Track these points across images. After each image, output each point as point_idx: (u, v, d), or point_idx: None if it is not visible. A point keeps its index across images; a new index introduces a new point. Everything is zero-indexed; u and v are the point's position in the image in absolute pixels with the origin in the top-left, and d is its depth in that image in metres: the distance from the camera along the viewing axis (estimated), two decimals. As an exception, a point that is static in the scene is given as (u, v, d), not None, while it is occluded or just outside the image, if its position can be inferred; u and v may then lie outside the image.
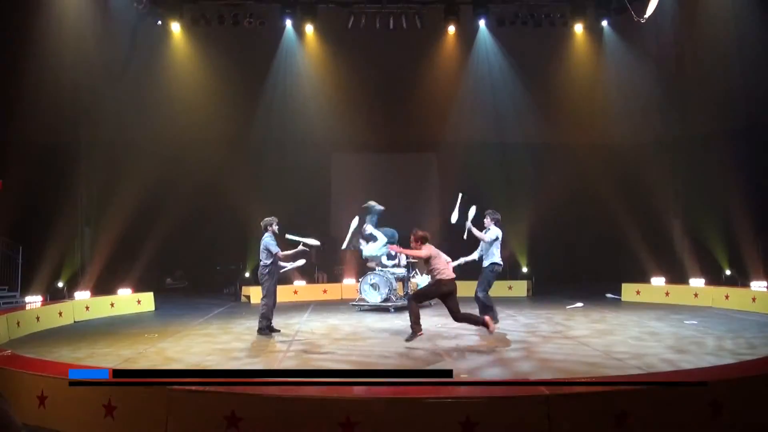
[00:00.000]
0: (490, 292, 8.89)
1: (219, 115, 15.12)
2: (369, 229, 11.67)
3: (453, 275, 7.68)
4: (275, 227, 8.76)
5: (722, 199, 13.32)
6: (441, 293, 7.62)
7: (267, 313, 8.67)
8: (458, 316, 7.68)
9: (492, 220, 9.04)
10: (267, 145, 16.12)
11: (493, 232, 8.92)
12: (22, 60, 12.21)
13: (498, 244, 8.89)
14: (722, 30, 13.31)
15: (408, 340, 7.57)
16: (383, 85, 15.77)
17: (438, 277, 7.55)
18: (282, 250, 8.62)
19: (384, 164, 16.89)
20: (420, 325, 7.60)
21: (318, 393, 4.30)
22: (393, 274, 11.93)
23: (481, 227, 9.06)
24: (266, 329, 8.65)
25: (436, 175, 17.27)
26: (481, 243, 8.96)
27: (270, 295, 8.64)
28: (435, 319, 9.99)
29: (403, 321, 9.98)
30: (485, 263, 8.91)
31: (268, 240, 8.62)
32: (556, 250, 15.91)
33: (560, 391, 4.18)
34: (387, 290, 11.55)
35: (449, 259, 7.97)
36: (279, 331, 8.78)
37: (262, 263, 8.69)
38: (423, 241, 7.75)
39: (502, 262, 8.99)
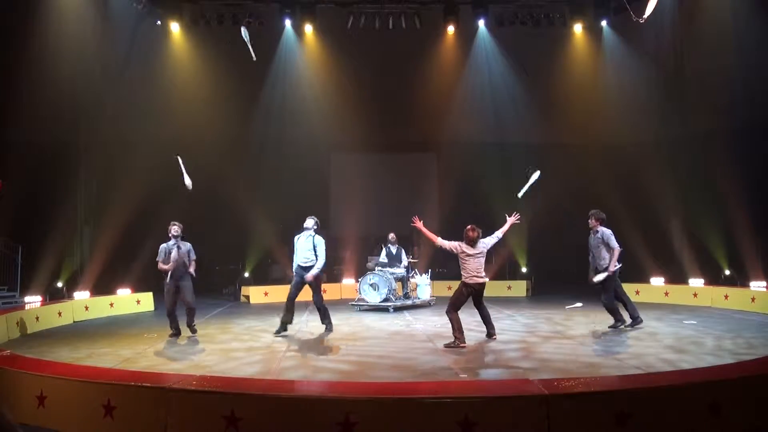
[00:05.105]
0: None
1: (218, 114, 15.11)
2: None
3: (480, 280, 7.54)
4: (174, 231, 8.80)
5: (722, 199, 13.29)
6: (468, 295, 7.58)
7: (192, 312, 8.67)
8: (481, 312, 7.84)
9: (598, 221, 8.47)
10: (266, 145, 16.10)
11: (606, 234, 8.35)
12: (22, 60, 12.19)
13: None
14: (722, 29, 13.31)
15: (448, 346, 7.43)
16: (383, 85, 15.76)
17: (464, 279, 7.56)
18: None
19: (384, 164, 16.89)
20: (462, 335, 7.45)
21: (317, 393, 4.26)
22: (392, 274, 11.93)
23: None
24: (192, 326, 8.70)
25: (435, 175, 17.27)
26: (594, 250, 8.49)
27: (170, 295, 8.47)
28: (435, 319, 10.01)
29: (402, 321, 10.01)
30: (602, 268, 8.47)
31: (164, 245, 8.71)
32: (555, 249, 15.90)
33: (559, 390, 4.18)
34: (386, 290, 11.55)
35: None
36: (195, 332, 8.69)
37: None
38: (468, 241, 7.52)
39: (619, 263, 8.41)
